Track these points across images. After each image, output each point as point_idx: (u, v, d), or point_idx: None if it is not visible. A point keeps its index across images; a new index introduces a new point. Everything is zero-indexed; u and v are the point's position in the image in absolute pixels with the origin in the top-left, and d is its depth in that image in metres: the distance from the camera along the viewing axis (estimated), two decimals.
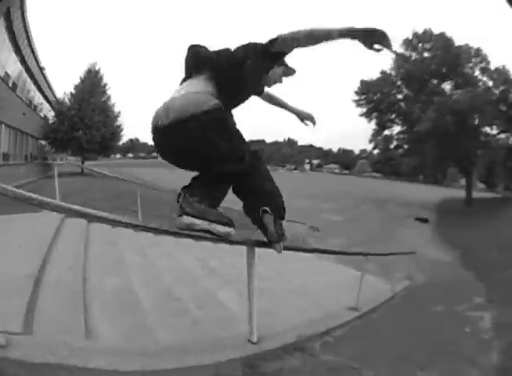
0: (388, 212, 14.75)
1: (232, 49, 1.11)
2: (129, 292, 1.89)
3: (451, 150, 16.64)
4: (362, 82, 18.91)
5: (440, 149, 16.29)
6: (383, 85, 18.33)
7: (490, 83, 16.67)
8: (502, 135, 17.77)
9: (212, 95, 1.06)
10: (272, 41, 1.05)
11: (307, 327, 1.94)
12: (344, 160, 67.51)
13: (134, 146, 64.72)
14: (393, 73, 18.50)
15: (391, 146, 20.08)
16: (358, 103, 19.29)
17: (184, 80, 1.15)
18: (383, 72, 18.71)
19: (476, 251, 8.04)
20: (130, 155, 53.22)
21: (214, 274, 2.91)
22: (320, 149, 75.23)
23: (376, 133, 19.59)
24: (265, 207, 1.15)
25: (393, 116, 19.09)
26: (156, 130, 1.05)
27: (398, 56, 17.23)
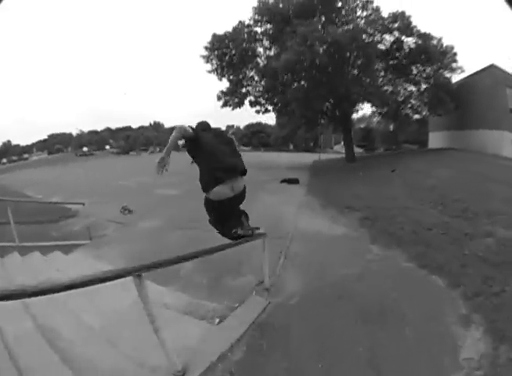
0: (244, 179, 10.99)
1: None
2: None
3: (324, 92, 13.38)
4: (214, 36, 15.20)
5: (310, 90, 13.10)
6: (238, 37, 14.92)
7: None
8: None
9: None
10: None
11: None
12: None
13: (7, 149, 53.88)
14: (252, 21, 15.08)
15: (256, 108, 16.24)
16: (208, 59, 15.50)
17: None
18: (241, 22, 15.34)
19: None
20: (4, 160, 43.79)
21: None
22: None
23: (231, 92, 15.91)
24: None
25: (251, 73, 15.77)
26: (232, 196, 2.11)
27: None
